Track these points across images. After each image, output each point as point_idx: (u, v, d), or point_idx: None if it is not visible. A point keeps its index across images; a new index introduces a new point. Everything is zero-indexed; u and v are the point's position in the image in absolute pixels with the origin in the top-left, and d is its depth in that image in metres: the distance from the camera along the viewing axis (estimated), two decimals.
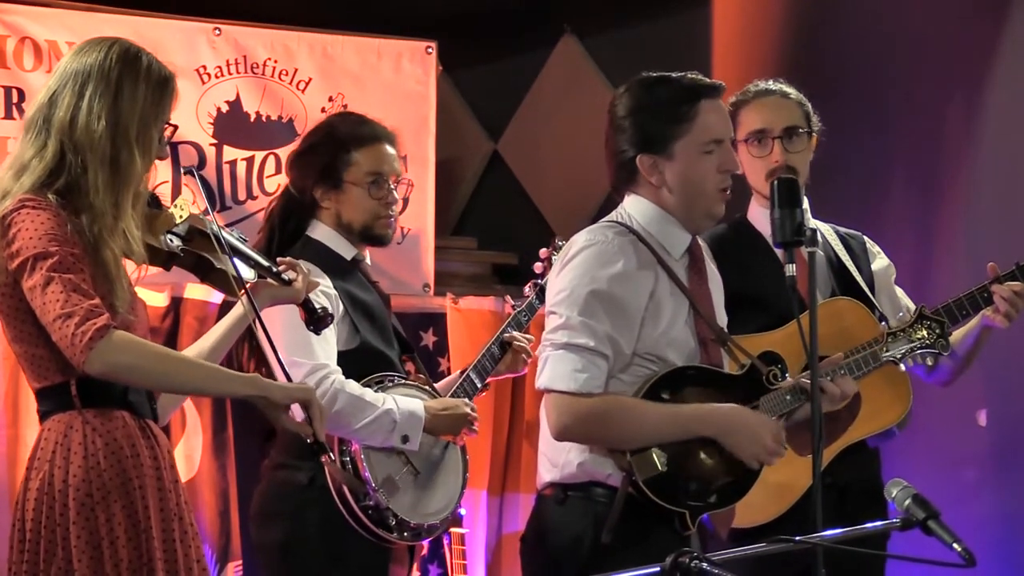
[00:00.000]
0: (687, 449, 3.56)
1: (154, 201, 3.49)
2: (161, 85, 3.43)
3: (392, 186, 4.41)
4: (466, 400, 4.41)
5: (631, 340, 3.57)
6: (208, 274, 3.51)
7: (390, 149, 4.43)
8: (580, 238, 3.64)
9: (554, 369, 3.55)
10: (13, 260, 3.26)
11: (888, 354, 4.09)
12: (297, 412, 3.38)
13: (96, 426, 3.33)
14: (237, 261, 3.50)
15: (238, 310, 3.58)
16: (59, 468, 3.31)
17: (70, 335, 3.18)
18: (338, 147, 4.36)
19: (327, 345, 4.14)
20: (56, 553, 3.29)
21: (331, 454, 3.43)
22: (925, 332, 4.08)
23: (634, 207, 3.70)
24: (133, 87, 3.37)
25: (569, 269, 3.60)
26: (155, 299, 5.71)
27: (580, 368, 3.51)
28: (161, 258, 3.47)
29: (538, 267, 4.86)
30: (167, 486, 3.40)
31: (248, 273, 3.53)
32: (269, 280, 3.56)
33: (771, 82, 4.42)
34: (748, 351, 3.73)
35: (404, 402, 4.21)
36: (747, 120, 4.34)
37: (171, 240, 3.46)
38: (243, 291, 3.47)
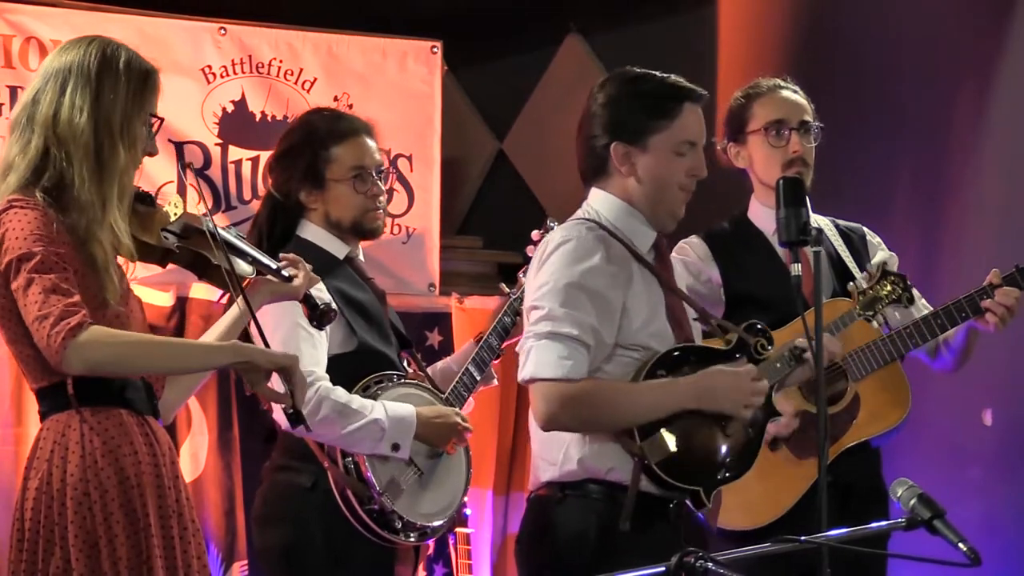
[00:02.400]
0: (694, 427, 3.60)
1: (148, 199, 3.51)
2: (142, 78, 3.45)
3: (376, 178, 4.37)
4: (457, 410, 4.38)
5: (612, 331, 3.60)
6: (206, 271, 3.52)
7: (370, 141, 4.39)
8: (556, 235, 3.68)
9: (538, 358, 3.57)
10: (1, 262, 3.29)
11: (860, 313, 4.13)
12: (276, 383, 3.41)
13: (93, 425, 3.35)
14: (234, 258, 3.50)
15: (236, 309, 3.59)
16: (57, 467, 3.33)
17: (45, 337, 3.21)
18: (317, 146, 4.32)
19: (316, 351, 4.11)
20: (54, 552, 3.31)
21: (308, 426, 3.45)
22: (890, 287, 4.13)
23: (600, 204, 3.73)
24: (114, 81, 3.40)
25: (548, 265, 3.63)
26: (160, 299, 5.72)
27: (565, 355, 3.54)
28: (157, 255, 3.49)
29: (530, 250, 4.84)
30: (166, 483, 3.41)
31: (246, 269, 3.53)
32: (269, 276, 3.56)
33: (779, 79, 4.44)
34: (733, 327, 3.76)
35: (394, 408, 4.17)
36: (763, 111, 4.38)
37: (167, 237, 3.47)
38: (243, 286, 3.49)
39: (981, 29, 5.62)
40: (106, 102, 3.38)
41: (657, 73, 3.73)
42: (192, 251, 3.49)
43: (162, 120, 3.51)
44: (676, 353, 3.64)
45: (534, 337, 3.58)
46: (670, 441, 3.56)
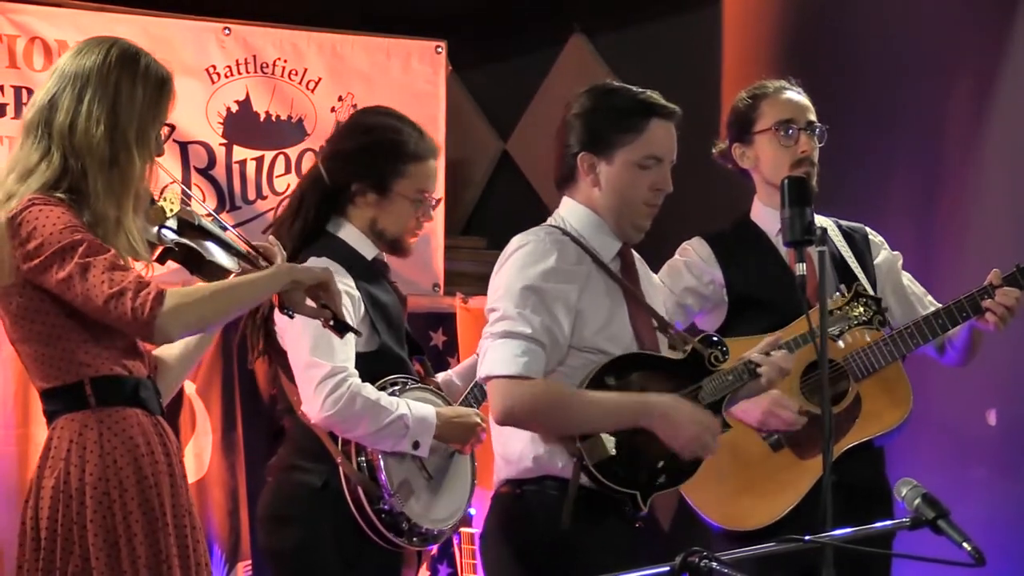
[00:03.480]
0: (636, 433, 3.63)
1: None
2: (159, 86, 3.44)
3: (431, 204, 4.42)
4: (476, 410, 4.40)
5: (566, 332, 3.65)
6: (200, 267, 3.51)
7: (434, 165, 4.41)
8: (516, 239, 3.75)
9: (495, 356, 3.63)
10: (32, 258, 3.27)
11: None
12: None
13: (110, 424, 3.35)
14: (220, 251, 3.51)
15: None
16: (75, 467, 3.33)
17: (130, 312, 3.20)
18: (399, 159, 4.31)
19: (347, 348, 4.11)
20: (73, 551, 3.31)
21: (357, 331, 3.52)
22: (862, 309, 4.10)
23: (568, 212, 3.80)
24: (131, 89, 3.39)
25: (505, 268, 3.71)
26: None
27: (520, 353, 3.60)
28: (157, 253, 3.48)
29: None
30: (179, 482, 3.43)
31: (230, 263, 3.53)
32: (249, 269, 3.55)
33: (783, 81, 4.46)
34: (689, 338, 3.79)
35: (417, 407, 4.19)
36: (772, 110, 4.39)
37: (165, 235, 3.47)
38: (239, 273, 3.48)
39: (982, 28, 5.63)
40: (123, 112, 3.37)
41: (634, 88, 3.79)
42: (187, 247, 3.48)
43: (173, 127, 3.52)
44: (625, 360, 3.68)
45: (491, 337, 3.65)
46: (609, 444, 3.60)
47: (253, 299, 3.46)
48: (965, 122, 5.64)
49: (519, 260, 3.69)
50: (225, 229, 3.58)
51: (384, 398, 4.14)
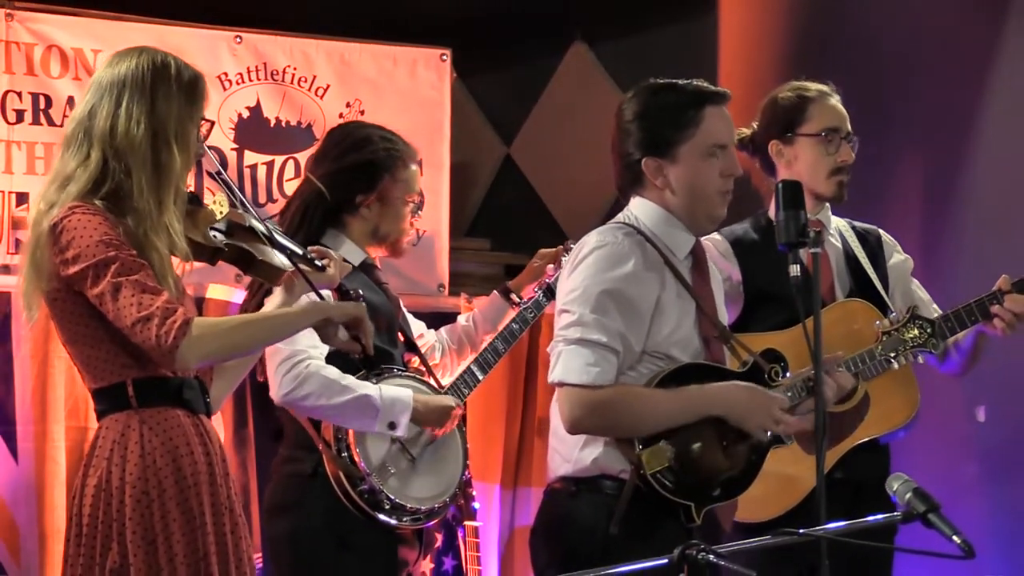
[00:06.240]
0: (694, 443, 3.64)
1: (195, 199, 3.59)
2: (192, 84, 3.53)
3: (418, 203, 4.60)
4: (450, 396, 4.49)
5: (641, 338, 3.66)
6: (251, 266, 3.61)
7: (417, 168, 4.59)
8: (591, 239, 3.72)
9: (567, 363, 3.62)
10: (70, 266, 3.35)
11: (882, 353, 4.20)
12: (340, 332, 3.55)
13: (152, 425, 3.44)
14: (272, 251, 3.60)
15: (276, 299, 3.67)
16: (116, 466, 3.42)
17: (154, 338, 3.29)
18: (396, 166, 4.49)
19: (313, 336, 4.22)
20: (111, 548, 3.40)
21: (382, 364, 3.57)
22: (916, 331, 4.19)
23: (640, 209, 3.78)
24: (167, 90, 3.48)
25: (581, 269, 3.67)
26: None
27: (592, 362, 3.59)
28: (207, 254, 3.57)
29: (550, 271, 4.95)
30: (218, 480, 3.51)
31: (284, 262, 3.62)
32: (306, 268, 3.65)
33: (824, 85, 4.52)
34: (751, 349, 3.80)
35: (388, 389, 4.27)
36: (821, 116, 4.44)
37: (215, 236, 3.55)
38: (294, 272, 3.60)
39: (978, 29, 5.66)
40: (161, 111, 3.46)
41: (679, 81, 3.76)
42: (238, 247, 3.58)
43: (213, 123, 3.60)
44: (686, 370, 3.68)
45: (563, 342, 3.63)
46: (669, 453, 3.60)
47: (283, 332, 3.57)
48: (963, 129, 5.67)
49: (597, 262, 3.65)
50: (280, 232, 3.67)
51: (348, 379, 4.22)
